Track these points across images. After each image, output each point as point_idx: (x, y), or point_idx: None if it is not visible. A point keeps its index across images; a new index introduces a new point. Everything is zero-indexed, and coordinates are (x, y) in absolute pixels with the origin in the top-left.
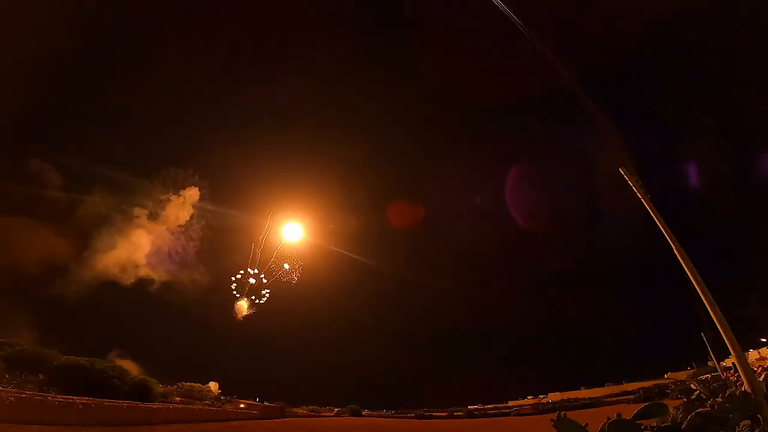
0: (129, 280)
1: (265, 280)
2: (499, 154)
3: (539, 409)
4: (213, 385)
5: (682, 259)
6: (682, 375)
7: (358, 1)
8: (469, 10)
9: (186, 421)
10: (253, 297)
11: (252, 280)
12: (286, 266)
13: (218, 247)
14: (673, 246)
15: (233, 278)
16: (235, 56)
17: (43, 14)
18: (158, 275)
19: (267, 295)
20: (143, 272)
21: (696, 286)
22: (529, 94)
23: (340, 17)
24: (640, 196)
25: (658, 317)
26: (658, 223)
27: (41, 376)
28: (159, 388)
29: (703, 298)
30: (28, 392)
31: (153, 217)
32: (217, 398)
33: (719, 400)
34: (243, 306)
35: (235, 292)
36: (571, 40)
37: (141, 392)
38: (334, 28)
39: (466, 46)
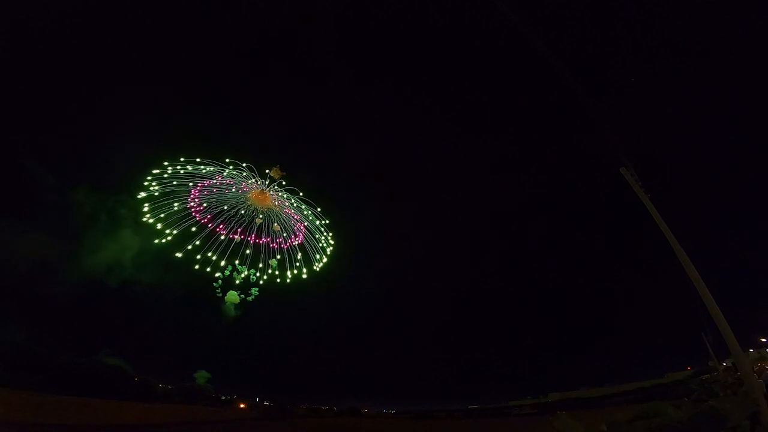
0: (116, 280)
1: (253, 277)
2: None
3: (539, 409)
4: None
5: (683, 259)
6: (682, 375)
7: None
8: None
9: (186, 422)
10: (241, 294)
11: (243, 274)
12: (274, 263)
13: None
14: (673, 246)
15: (218, 275)
16: (227, 54)
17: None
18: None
19: (256, 292)
20: (130, 273)
21: (696, 286)
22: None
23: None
24: (640, 196)
25: (658, 317)
26: (658, 223)
27: (41, 376)
28: (159, 388)
29: (703, 298)
30: (28, 392)
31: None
32: (217, 398)
33: (719, 400)
34: (231, 305)
35: (218, 292)
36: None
37: (141, 392)
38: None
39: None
